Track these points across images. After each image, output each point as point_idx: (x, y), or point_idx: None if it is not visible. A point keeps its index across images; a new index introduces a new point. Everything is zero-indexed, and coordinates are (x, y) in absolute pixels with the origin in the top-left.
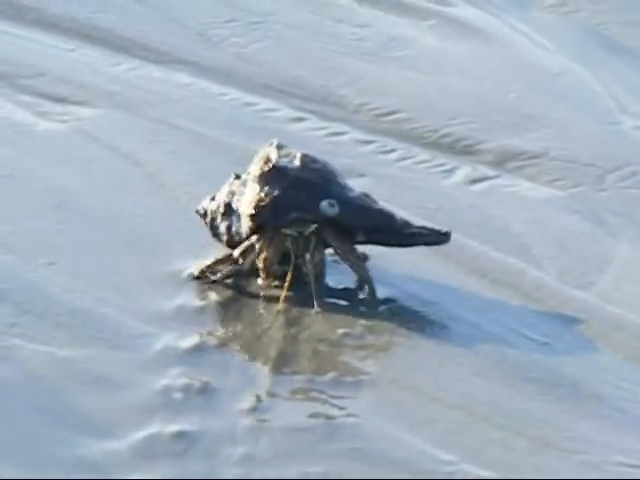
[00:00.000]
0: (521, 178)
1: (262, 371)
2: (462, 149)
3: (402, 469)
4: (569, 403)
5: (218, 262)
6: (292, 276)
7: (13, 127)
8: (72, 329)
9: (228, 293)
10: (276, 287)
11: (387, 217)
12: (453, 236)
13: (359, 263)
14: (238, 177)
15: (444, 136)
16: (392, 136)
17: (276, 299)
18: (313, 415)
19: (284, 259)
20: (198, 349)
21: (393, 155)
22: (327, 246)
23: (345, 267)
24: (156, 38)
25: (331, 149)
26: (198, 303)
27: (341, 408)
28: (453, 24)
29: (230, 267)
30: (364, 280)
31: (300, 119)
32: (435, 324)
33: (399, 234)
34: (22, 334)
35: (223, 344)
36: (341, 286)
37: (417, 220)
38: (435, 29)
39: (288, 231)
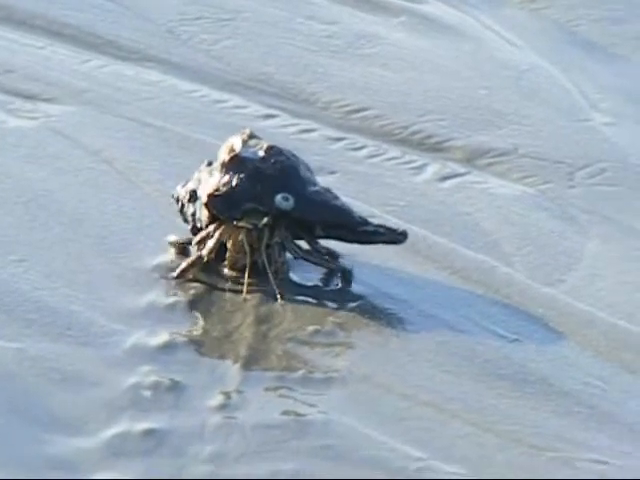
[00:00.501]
0: (491, 175)
1: (232, 369)
2: (432, 146)
3: (372, 466)
4: (539, 400)
5: (182, 243)
6: (250, 268)
7: None
8: (42, 326)
9: (198, 290)
10: (248, 284)
11: (344, 213)
12: (423, 233)
13: (310, 256)
14: (210, 164)
15: (414, 133)
16: (362, 133)
17: (244, 301)
18: (283, 412)
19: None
20: (167, 347)
21: (363, 152)
22: (295, 238)
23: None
24: (126, 35)
25: (301, 146)
26: (168, 300)
27: (311, 405)
28: (423, 21)
29: (191, 259)
30: (331, 265)
31: (270, 116)
32: (405, 321)
33: (355, 231)
34: None
35: (193, 342)
36: (310, 283)
37: (385, 217)
38: (405, 26)
39: (241, 223)
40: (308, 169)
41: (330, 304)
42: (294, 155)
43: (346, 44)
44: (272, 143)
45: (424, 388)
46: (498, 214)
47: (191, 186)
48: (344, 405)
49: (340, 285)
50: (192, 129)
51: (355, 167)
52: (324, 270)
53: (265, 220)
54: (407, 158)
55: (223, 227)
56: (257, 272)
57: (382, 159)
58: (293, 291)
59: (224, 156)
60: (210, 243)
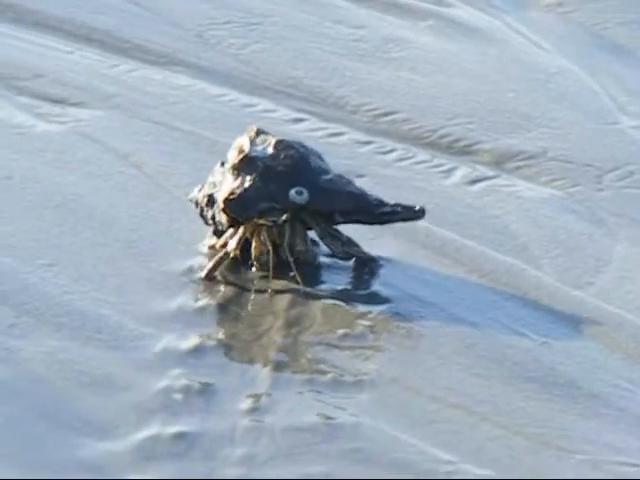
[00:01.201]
0: (519, 178)
1: (262, 372)
2: (460, 149)
3: (402, 469)
4: (568, 402)
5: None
6: (273, 265)
7: (12, 129)
8: (71, 330)
9: (227, 293)
10: (276, 290)
11: (359, 199)
12: (452, 236)
13: (336, 243)
14: (223, 164)
15: (442, 136)
16: (390, 136)
17: (276, 298)
18: (313, 415)
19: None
20: (197, 350)
21: (392, 155)
22: (310, 228)
23: (343, 266)
24: (154, 40)
25: (330, 150)
26: (197, 304)
27: (341, 408)
28: (451, 24)
29: (217, 258)
30: (349, 254)
31: (299, 120)
32: (434, 324)
33: (373, 214)
34: (22, 335)
35: (223, 345)
36: (340, 287)
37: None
38: (432, 29)
39: (261, 221)
40: (319, 157)
41: (359, 307)
42: (303, 146)
43: (374, 48)
44: (280, 137)
45: (453, 391)
46: (527, 217)
47: (207, 190)
48: (373, 408)
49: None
50: (221, 133)
51: (384, 171)
52: (353, 273)
53: (284, 217)
54: (436, 162)
55: (245, 226)
56: (285, 271)
57: (411, 162)
58: (323, 294)
59: (234, 157)
60: (234, 240)
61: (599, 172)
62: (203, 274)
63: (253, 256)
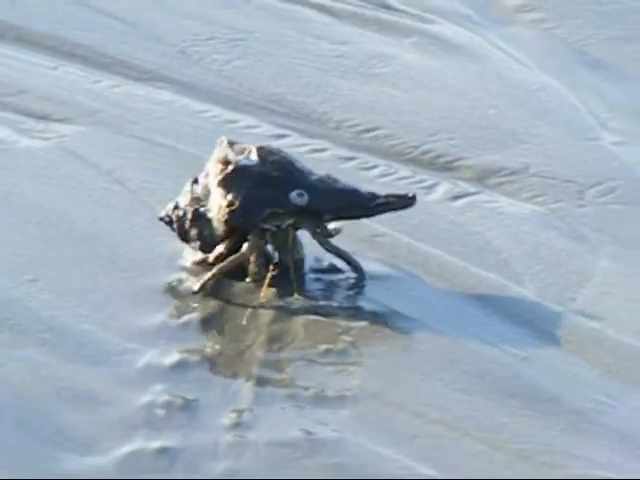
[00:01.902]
0: (501, 194)
1: (244, 387)
2: (442, 165)
3: None
4: (549, 417)
5: (202, 261)
6: (272, 271)
7: None
8: (55, 346)
9: (210, 309)
10: (258, 305)
11: (354, 194)
12: (435, 252)
13: (334, 246)
14: (196, 181)
15: (425, 152)
16: (373, 153)
17: (259, 313)
18: (295, 431)
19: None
20: (180, 365)
21: (374, 171)
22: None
23: (326, 280)
24: (137, 56)
25: (313, 165)
26: (180, 319)
27: (323, 424)
28: (434, 41)
29: (214, 269)
30: (344, 258)
31: (281, 136)
32: (417, 339)
33: (368, 207)
34: (4, 350)
35: (205, 360)
36: (322, 302)
37: (396, 235)
38: (416, 46)
39: (266, 226)
40: (299, 160)
41: (342, 323)
42: (281, 150)
43: (357, 64)
44: (257, 145)
45: (435, 406)
46: (509, 233)
47: (190, 206)
48: (355, 423)
49: (355, 280)
50: (204, 149)
51: (367, 186)
52: (335, 288)
53: (290, 220)
54: (418, 177)
55: (245, 239)
56: (274, 281)
57: (393, 178)
58: (305, 309)
59: (221, 171)
60: (233, 257)
61: (581, 188)
62: (196, 288)
63: (250, 274)
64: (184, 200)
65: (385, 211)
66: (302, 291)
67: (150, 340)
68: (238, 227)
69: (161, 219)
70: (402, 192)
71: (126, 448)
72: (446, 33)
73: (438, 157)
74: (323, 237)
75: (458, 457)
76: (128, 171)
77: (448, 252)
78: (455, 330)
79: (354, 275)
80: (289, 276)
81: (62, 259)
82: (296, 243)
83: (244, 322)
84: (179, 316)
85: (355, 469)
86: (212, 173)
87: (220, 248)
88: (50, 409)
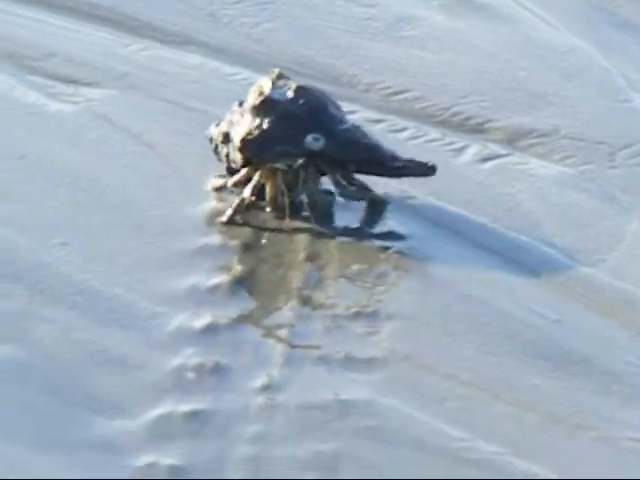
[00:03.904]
0: (531, 156)
1: (274, 350)
2: (472, 127)
3: (414, 446)
4: (580, 379)
5: (220, 187)
6: (290, 209)
7: (25, 108)
8: (85, 310)
9: (239, 272)
10: (288, 268)
11: (374, 150)
12: (464, 214)
13: (351, 189)
14: (241, 104)
15: (454, 115)
16: (402, 115)
17: (288, 276)
18: (326, 393)
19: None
20: (210, 328)
21: (404, 134)
22: (323, 174)
23: (355, 247)
24: (166, 19)
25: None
26: (210, 282)
27: (354, 386)
28: (462, 2)
29: (235, 204)
30: (365, 197)
31: None
32: (446, 302)
33: (386, 166)
34: (36, 314)
35: (235, 323)
36: (354, 266)
37: (427, 199)
38: (444, 8)
39: (277, 165)
40: (337, 107)
41: (371, 285)
42: (323, 94)
43: (386, 26)
44: (301, 83)
45: (465, 368)
46: (539, 195)
47: (224, 127)
48: (386, 386)
49: (374, 218)
50: None
51: (396, 149)
52: (363, 252)
53: (299, 161)
54: (448, 140)
55: (260, 171)
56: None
57: (423, 141)
58: (335, 267)
59: (254, 99)
60: (248, 188)
61: (611, 150)
62: (224, 219)
63: (268, 198)
64: (223, 122)
65: (402, 175)
66: (323, 227)
67: (180, 303)
68: (249, 158)
69: (206, 135)
70: (423, 160)
71: (156, 411)
72: None
73: (468, 119)
74: (339, 183)
75: (489, 419)
76: (157, 135)
77: (478, 214)
78: (485, 292)
79: (379, 209)
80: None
81: (92, 223)
82: (309, 185)
83: (273, 285)
84: (209, 279)
85: (386, 431)
86: (249, 99)
87: (238, 175)
88: (80, 373)
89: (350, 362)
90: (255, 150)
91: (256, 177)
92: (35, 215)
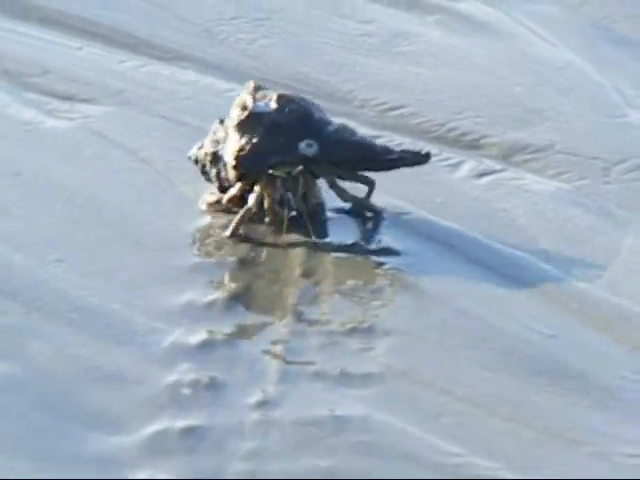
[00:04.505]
0: (527, 171)
1: (270, 366)
2: (468, 143)
3: (410, 462)
4: (576, 395)
5: (216, 202)
6: (287, 219)
7: (21, 125)
8: (81, 326)
9: (236, 288)
10: (283, 284)
11: (367, 147)
12: (459, 230)
13: (351, 195)
14: (222, 122)
15: (450, 130)
16: (398, 131)
17: (283, 292)
18: (321, 409)
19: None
20: (206, 345)
21: None
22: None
23: (350, 263)
24: (162, 35)
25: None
26: (206, 298)
27: (349, 402)
28: (458, 19)
29: (239, 216)
30: (363, 206)
31: None
32: (443, 317)
33: (380, 161)
34: (32, 331)
35: (231, 339)
36: (350, 282)
37: (421, 214)
38: (440, 24)
39: (276, 173)
40: (320, 110)
41: (367, 302)
42: (303, 99)
43: (381, 42)
44: (280, 91)
45: (462, 384)
46: (534, 210)
47: (209, 147)
48: (381, 401)
49: (372, 225)
50: None
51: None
52: (359, 269)
53: (298, 168)
54: (443, 155)
55: (259, 182)
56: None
57: None
58: (328, 291)
59: (237, 115)
60: (253, 197)
61: (606, 165)
62: (228, 233)
63: (266, 208)
64: (208, 142)
65: (398, 166)
66: (320, 234)
67: (176, 319)
68: (245, 173)
69: (189, 158)
70: (416, 149)
71: (152, 427)
72: (471, 10)
73: (464, 135)
74: (335, 185)
75: (485, 435)
76: (154, 151)
77: (473, 229)
78: (481, 307)
79: (374, 222)
80: (304, 222)
81: (89, 239)
82: (310, 189)
83: (268, 302)
84: (205, 295)
85: (381, 447)
86: (231, 116)
87: (233, 191)
88: (76, 388)
89: (345, 378)
90: (250, 165)
91: (257, 188)
92: (31, 232)
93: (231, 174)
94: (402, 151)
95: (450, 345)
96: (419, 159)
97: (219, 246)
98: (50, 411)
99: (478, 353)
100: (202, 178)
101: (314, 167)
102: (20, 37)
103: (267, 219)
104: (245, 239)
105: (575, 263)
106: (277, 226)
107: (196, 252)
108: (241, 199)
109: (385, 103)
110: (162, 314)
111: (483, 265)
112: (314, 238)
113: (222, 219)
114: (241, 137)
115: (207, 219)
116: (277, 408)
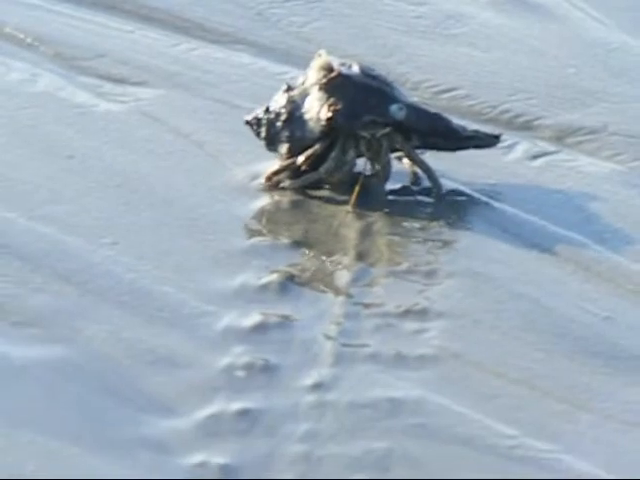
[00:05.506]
0: (580, 153)
1: (324, 348)
2: (521, 125)
3: (465, 444)
4: (631, 376)
5: (283, 169)
6: (361, 184)
7: (74, 108)
8: (134, 308)
9: (288, 271)
10: (337, 267)
11: (446, 121)
12: (513, 212)
13: (422, 160)
14: (290, 88)
15: (503, 112)
16: (451, 112)
17: (336, 274)
18: (376, 391)
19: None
20: (260, 327)
21: None
22: (392, 150)
23: (403, 245)
24: (215, 18)
25: None
26: (259, 281)
27: (404, 384)
28: (511, 0)
29: (306, 176)
30: (428, 173)
31: None
32: (496, 299)
33: (455, 137)
34: (85, 314)
35: (285, 322)
36: (403, 265)
37: (476, 195)
38: (493, 5)
39: (363, 133)
40: (397, 83)
41: (421, 282)
42: (379, 70)
43: (434, 24)
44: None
45: (516, 366)
46: (588, 192)
47: (286, 108)
48: (436, 383)
49: (430, 196)
50: None
51: None
52: (415, 246)
53: (386, 130)
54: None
55: (341, 140)
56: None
57: None
58: (382, 273)
59: (324, 76)
60: (306, 154)
61: None
62: (292, 185)
63: (333, 166)
64: (277, 104)
65: (470, 146)
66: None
67: (229, 302)
68: (338, 128)
69: (247, 122)
70: (488, 131)
71: (207, 410)
72: None
73: (517, 117)
74: (412, 153)
75: (539, 417)
76: (207, 134)
77: (527, 211)
78: (535, 289)
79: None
80: (374, 188)
81: (141, 222)
82: (387, 154)
83: (322, 284)
84: (258, 278)
85: (436, 429)
86: (312, 78)
87: (312, 150)
88: (130, 372)
89: (400, 360)
90: (345, 119)
91: (333, 153)
92: (84, 215)
93: (316, 131)
94: (475, 131)
95: (504, 327)
96: (491, 141)
97: (272, 229)
98: (105, 394)
99: (532, 335)
100: (255, 161)
101: (398, 133)
102: (73, 20)
103: (335, 178)
104: (295, 221)
105: (630, 244)
106: (345, 187)
107: (249, 235)
108: (318, 160)
109: (438, 85)
110: (215, 297)
111: (537, 247)
112: (351, 208)
113: (274, 201)
114: (331, 95)
115: (259, 202)
116: (331, 391)
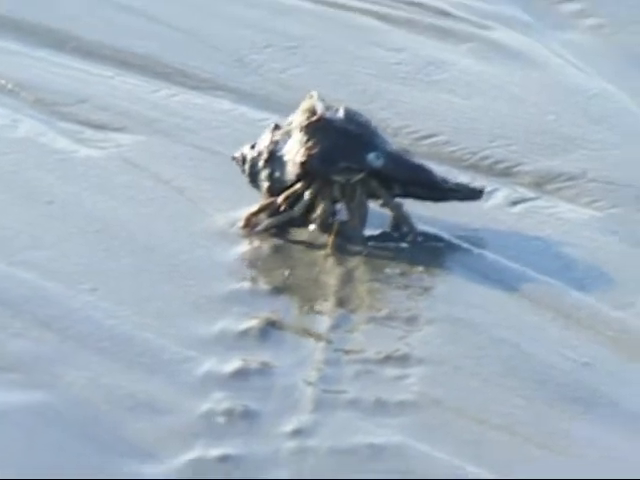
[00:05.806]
0: (560, 200)
1: (304, 394)
2: (501, 171)
3: None
4: (611, 423)
5: (262, 209)
6: (336, 229)
7: (55, 154)
8: (114, 354)
9: (269, 318)
10: (318, 313)
11: (427, 172)
12: (493, 257)
13: (397, 206)
14: (277, 127)
15: (483, 158)
16: (431, 159)
17: (316, 320)
18: (357, 437)
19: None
20: (240, 373)
21: None
22: (369, 197)
23: (383, 291)
24: (195, 64)
25: None
26: (239, 327)
27: (384, 430)
28: (491, 47)
29: (280, 215)
30: (403, 219)
31: None
32: (476, 345)
33: (436, 189)
34: (65, 360)
35: (265, 368)
36: (382, 310)
37: (455, 242)
38: (473, 52)
39: (337, 178)
40: (382, 129)
41: (401, 329)
42: (367, 116)
43: (415, 70)
44: (345, 105)
45: (496, 412)
46: (568, 238)
47: (268, 147)
48: (417, 430)
49: (407, 242)
50: None
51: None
52: (394, 292)
53: (360, 175)
54: (477, 183)
55: (315, 184)
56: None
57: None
58: (362, 319)
59: (307, 118)
60: (301, 204)
61: (639, 193)
62: (262, 227)
63: (318, 213)
64: (262, 142)
65: (451, 198)
66: (365, 246)
67: (210, 348)
68: (312, 172)
69: (234, 158)
70: (471, 184)
71: (187, 456)
72: (503, 39)
73: (497, 163)
74: (388, 202)
75: (520, 462)
76: (187, 180)
77: (508, 257)
78: (515, 335)
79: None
80: (350, 233)
81: (121, 268)
82: (362, 202)
83: (302, 332)
84: (238, 324)
85: (417, 475)
86: (296, 121)
87: (290, 191)
88: (110, 417)
89: (380, 406)
90: (319, 164)
91: (307, 195)
92: (64, 260)
93: (292, 173)
94: (457, 183)
95: (484, 373)
96: (474, 194)
97: (252, 275)
98: (85, 440)
99: (513, 381)
100: (235, 207)
101: (374, 180)
102: (53, 67)
103: (315, 224)
104: (276, 266)
105: (609, 291)
106: (324, 232)
107: (229, 281)
108: (296, 201)
109: (418, 131)
110: (195, 343)
111: (517, 293)
112: (328, 251)
113: (255, 246)
114: (310, 139)
115: (240, 248)
116: (312, 437)
